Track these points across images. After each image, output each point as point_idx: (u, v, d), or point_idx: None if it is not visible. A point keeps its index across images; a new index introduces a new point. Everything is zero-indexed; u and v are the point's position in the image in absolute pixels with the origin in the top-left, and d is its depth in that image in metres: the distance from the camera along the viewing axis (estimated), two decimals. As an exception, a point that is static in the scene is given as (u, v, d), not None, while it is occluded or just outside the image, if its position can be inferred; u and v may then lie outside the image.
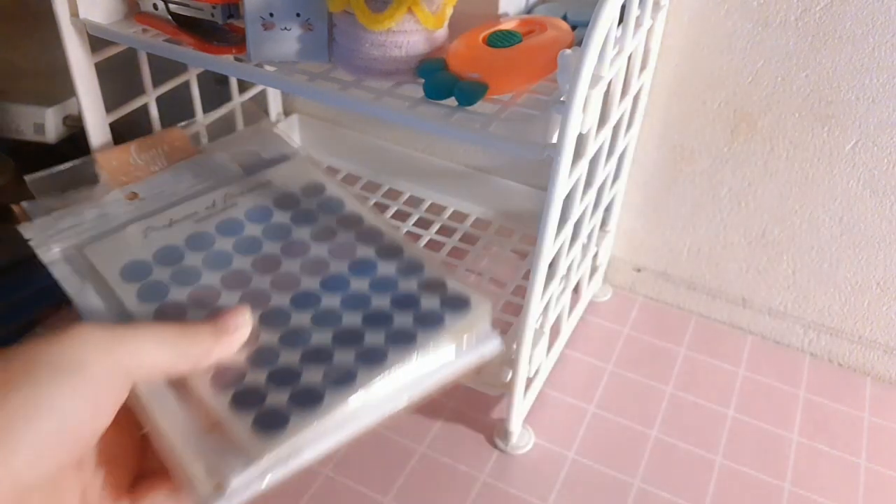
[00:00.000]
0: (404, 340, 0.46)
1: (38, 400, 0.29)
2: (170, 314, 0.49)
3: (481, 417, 0.76)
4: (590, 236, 0.78)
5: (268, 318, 0.49)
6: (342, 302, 0.51)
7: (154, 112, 0.80)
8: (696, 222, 0.85)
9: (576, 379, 0.82)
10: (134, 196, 0.62)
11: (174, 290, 0.52)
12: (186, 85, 0.83)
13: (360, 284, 0.52)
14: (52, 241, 0.55)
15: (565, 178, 0.52)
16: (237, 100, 0.92)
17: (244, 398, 0.44)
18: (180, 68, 0.82)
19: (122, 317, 0.49)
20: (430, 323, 0.48)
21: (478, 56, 0.57)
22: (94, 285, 0.51)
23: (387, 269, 0.54)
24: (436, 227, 0.91)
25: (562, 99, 0.49)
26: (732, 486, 0.71)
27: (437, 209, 0.94)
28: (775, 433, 0.77)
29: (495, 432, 0.74)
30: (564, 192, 0.54)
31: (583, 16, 0.66)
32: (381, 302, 0.51)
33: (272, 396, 0.44)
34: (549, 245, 0.57)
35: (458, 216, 0.93)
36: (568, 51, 0.51)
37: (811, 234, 0.80)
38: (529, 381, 0.71)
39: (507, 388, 0.68)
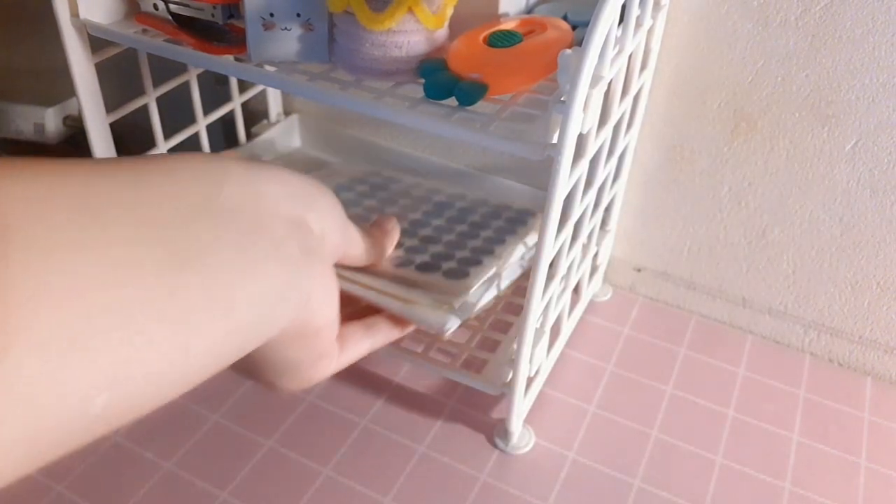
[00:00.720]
0: (511, 231, 0.74)
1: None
2: None
3: (481, 417, 0.76)
4: (590, 236, 0.78)
5: (412, 226, 0.74)
6: (458, 211, 0.78)
7: (154, 112, 0.80)
8: (696, 222, 0.85)
9: (576, 379, 0.82)
10: None
11: None
12: (186, 85, 0.84)
13: (462, 204, 0.79)
14: None
15: (566, 178, 0.52)
16: (237, 100, 0.92)
17: (426, 267, 0.66)
18: (180, 69, 0.82)
19: None
20: (521, 223, 0.75)
21: (478, 56, 0.57)
22: None
23: (466, 201, 0.80)
24: (436, 227, 0.91)
25: (562, 99, 0.49)
26: (732, 486, 0.71)
27: (437, 209, 0.93)
28: (775, 433, 0.77)
29: (495, 432, 0.74)
30: (565, 193, 0.54)
31: (583, 16, 0.66)
32: (483, 211, 0.78)
33: (445, 264, 0.67)
34: (550, 245, 0.57)
35: (459, 216, 0.93)
36: (568, 51, 0.51)
37: (811, 234, 0.80)
38: (530, 380, 0.71)
39: (508, 388, 0.68)
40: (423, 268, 0.66)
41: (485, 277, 0.65)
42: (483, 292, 0.64)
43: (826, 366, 0.86)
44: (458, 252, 0.70)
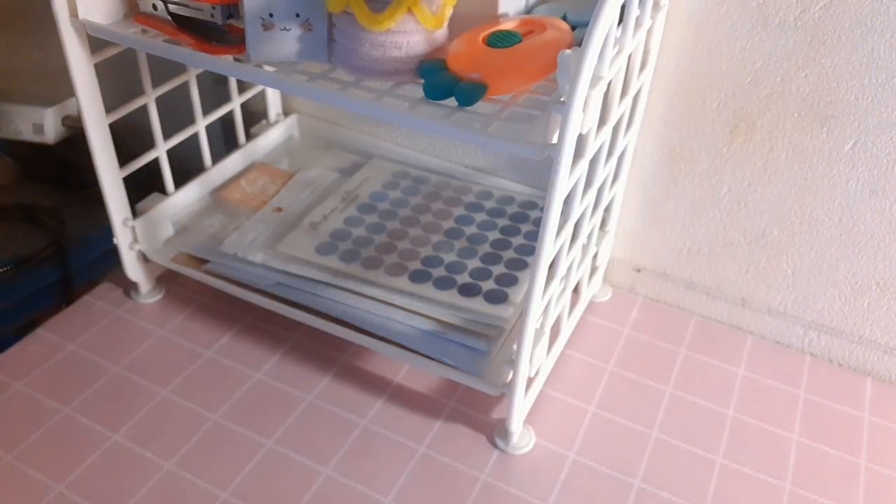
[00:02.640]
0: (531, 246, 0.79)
1: None
2: (370, 265, 0.78)
3: (481, 417, 0.76)
4: (589, 236, 0.78)
5: (438, 248, 0.79)
6: (489, 214, 0.85)
7: (154, 113, 0.80)
8: (695, 222, 0.85)
9: (576, 379, 0.82)
10: (279, 209, 0.87)
11: (363, 250, 0.80)
12: (186, 86, 0.83)
13: (490, 204, 0.86)
14: (251, 249, 0.80)
15: (565, 178, 0.52)
16: (237, 100, 0.92)
17: (466, 290, 0.74)
18: (180, 69, 0.82)
19: (336, 274, 0.76)
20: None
21: (478, 56, 0.57)
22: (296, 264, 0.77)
23: (490, 203, 0.86)
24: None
25: (562, 99, 0.49)
26: (733, 487, 0.71)
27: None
28: (775, 433, 0.77)
29: (496, 432, 0.74)
30: (565, 193, 0.54)
31: (583, 16, 0.66)
32: (511, 212, 0.84)
33: (484, 284, 0.74)
34: (550, 245, 0.57)
35: (458, 216, 0.93)
36: (568, 51, 0.51)
37: (811, 235, 0.80)
38: (530, 381, 0.71)
39: (508, 388, 0.68)
40: (465, 291, 0.75)
41: (519, 301, 0.74)
42: (517, 316, 0.74)
43: (826, 366, 0.86)
44: (496, 266, 0.78)
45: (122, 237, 0.82)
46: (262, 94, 0.98)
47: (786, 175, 0.77)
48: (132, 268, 0.85)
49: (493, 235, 0.83)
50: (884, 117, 0.70)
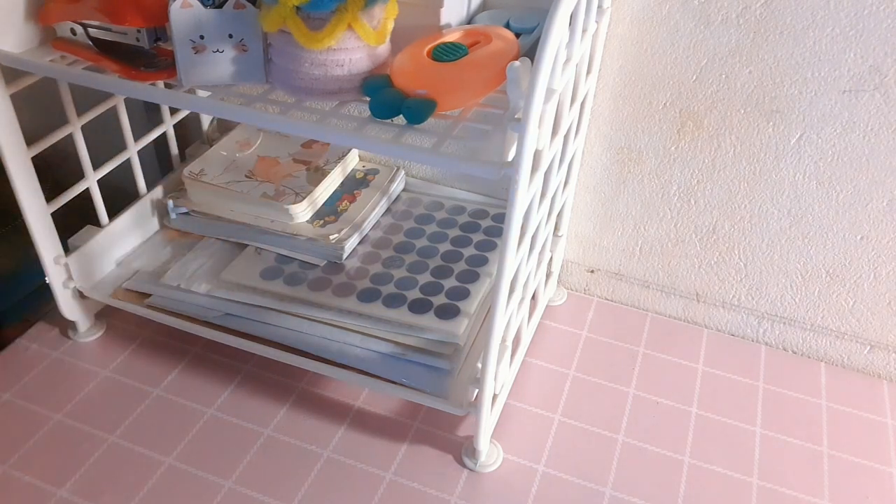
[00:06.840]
0: (491, 246, 0.81)
1: None
2: (317, 286, 0.75)
3: (447, 436, 0.74)
4: (544, 243, 0.77)
5: (387, 265, 0.77)
6: (439, 225, 0.84)
7: (80, 142, 0.75)
8: (646, 221, 0.85)
9: (539, 387, 0.80)
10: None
11: (310, 272, 0.78)
12: (114, 110, 0.79)
13: (441, 215, 0.85)
14: (194, 279, 0.77)
15: (524, 195, 0.51)
16: (169, 122, 0.87)
17: (416, 307, 0.72)
18: (106, 93, 0.77)
19: (283, 299, 0.74)
20: (498, 233, 0.78)
21: (423, 71, 0.55)
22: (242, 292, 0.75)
23: (441, 214, 0.85)
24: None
25: (517, 116, 0.48)
26: (702, 486, 0.71)
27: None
28: (739, 427, 0.77)
29: (463, 451, 0.72)
30: (524, 210, 0.53)
31: (526, 22, 0.64)
32: (462, 221, 0.84)
33: (435, 299, 0.73)
34: (512, 262, 0.55)
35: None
36: (517, 63, 0.49)
37: (761, 227, 0.80)
38: (495, 397, 0.69)
39: (474, 407, 0.67)
40: (415, 308, 0.72)
41: (472, 315, 0.72)
42: (474, 329, 0.73)
43: (781, 354, 0.87)
44: (446, 281, 0.76)
45: (55, 276, 0.77)
46: (196, 113, 0.94)
47: (734, 170, 0.77)
48: (68, 306, 0.80)
49: (444, 247, 0.81)
50: (827, 110, 0.70)
